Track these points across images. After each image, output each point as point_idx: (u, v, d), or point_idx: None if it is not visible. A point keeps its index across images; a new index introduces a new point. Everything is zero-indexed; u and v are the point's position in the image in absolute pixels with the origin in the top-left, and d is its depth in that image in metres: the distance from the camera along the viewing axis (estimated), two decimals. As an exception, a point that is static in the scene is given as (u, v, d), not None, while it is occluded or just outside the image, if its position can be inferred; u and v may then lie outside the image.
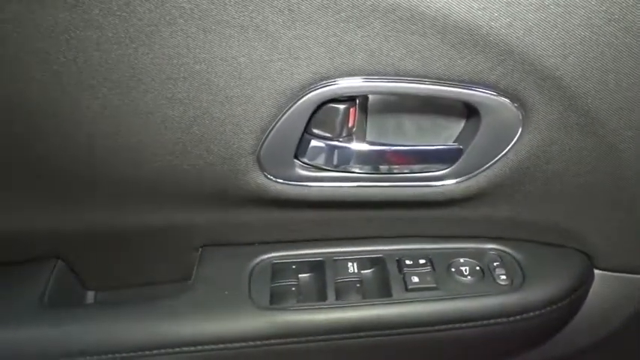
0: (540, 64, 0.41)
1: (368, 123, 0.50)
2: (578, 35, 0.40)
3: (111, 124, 0.43)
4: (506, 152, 0.48)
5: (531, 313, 0.55)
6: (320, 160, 0.49)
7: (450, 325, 0.54)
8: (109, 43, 0.38)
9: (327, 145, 0.48)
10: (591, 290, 0.61)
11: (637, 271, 0.60)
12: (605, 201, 0.52)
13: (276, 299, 0.54)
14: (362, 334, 0.53)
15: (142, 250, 0.58)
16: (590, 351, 0.70)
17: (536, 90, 0.43)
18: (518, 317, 0.55)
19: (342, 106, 0.46)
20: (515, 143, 0.47)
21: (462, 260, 0.58)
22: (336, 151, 0.48)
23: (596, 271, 0.60)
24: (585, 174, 0.49)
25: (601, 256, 0.59)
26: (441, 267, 0.57)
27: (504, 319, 0.55)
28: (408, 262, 0.57)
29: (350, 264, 0.58)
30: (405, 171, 0.50)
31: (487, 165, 0.49)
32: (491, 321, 0.55)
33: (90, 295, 0.63)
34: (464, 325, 0.55)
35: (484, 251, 0.60)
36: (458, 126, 0.50)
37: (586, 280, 0.60)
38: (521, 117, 0.45)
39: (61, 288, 0.56)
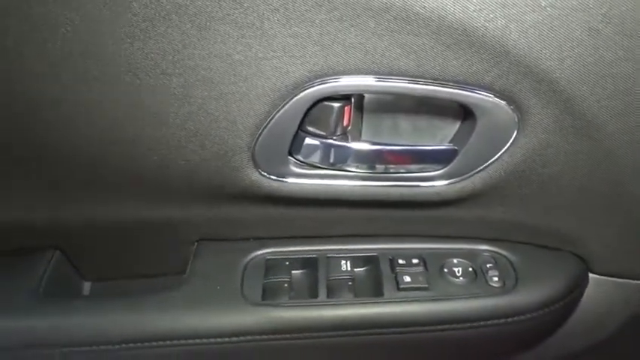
0: (536, 66, 0.41)
1: (364, 122, 0.50)
2: (575, 38, 0.40)
3: (107, 118, 0.43)
4: (501, 154, 0.48)
5: (523, 316, 0.55)
6: (314, 158, 0.49)
7: (441, 326, 0.54)
8: (104, 38, 0.38)
9: (321, 143, 0.48)
10: (586, 294, 0.61)
11: (632, 277, 0.59)
12: (602, 205, 0.52)
13: (269, 295, 0.54)
14: (352, 332, 0.53)
15: (138, 243, 0.58)
16: (585, 355, 0.69)
17: (532, 92, 0.43)
18: (509, 319, 0.55)
19: (336, 105, 0.46)
20: (510, 145, 0.47)
21: (455, 261, 0.58)
22: (330, 149, 0.48)
23: (591, 275, 0.60)
24: (582, 178, 0.49)
25: (596, 260, 0.59)
26: (433, 267, 0.57)
27: (496, 321, 0.55)
28: (400, 261, 0.57)
29: (343, 262, 0.58)
30: (400, 170, 0.50)
31: (482, 167, 0.49)
32: (483, 322, 0.55)
33: (87, 286, 0.63)
34: (455, 326, 0.55)
35: (478, 252, 0.59)
36: (453, 127, 0.50)
37: (580, 283, 0.59)
38: (516, 119, 0.45)
39: (58, 278, 0.57)
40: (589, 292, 0.61)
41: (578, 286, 0.59)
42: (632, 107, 0.44)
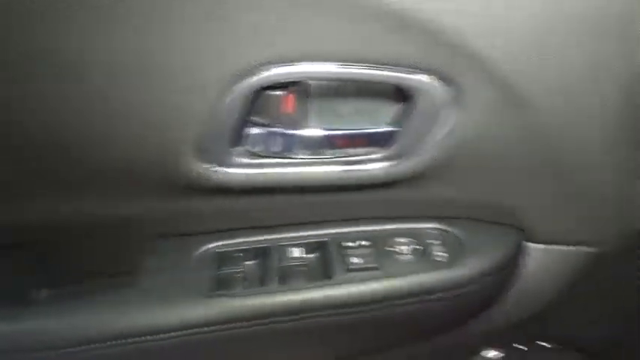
0: (471, 46, 0.42)
1: (308, 108, 0.51)
2: (507, 17, 0.41)
3: (55, 116, 0.42)
4: (441, 134, 0.49)
5: (465, 288, 0.57)
6: (260, 147, 0.49)
7: (390, 302, 0.56)
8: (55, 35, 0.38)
9: (266, 131, 0.49)
10: (527, 263, 0.64)
11: (570, 243, 0.62)
12: (539, 179, 0.54)
13: (223, 286, 0.55)
14: (305, 315, 0.54)
15: (89, 243, 0.57)
16: (528, 323, 0.73)
17: (468, 72, 0.44)
18: (455, 291, 0.57)
19: (280, 93, 0.46)
20: (449, 125, 0.48)
21: (402, 240, 0.60)
22: (275, 138, 0.49)
23: (531, 245, 0.63)
24: (521, 154, 0.51)
25: (536, 231, 0.61)
26: (381, 247, 0.59)
27: (441, 295, 0.57)
28: (350, 244, 0.59)
29: (294, 249, 0.59)
30: (344, 154, 0.52)
31: (423, 147, 0.50)
32: (428, 296, 0.57)
33: (42, 291, 0.62)
34: (402, 302, 0.56)
35: (423, 230, 0.61)
36: (394, 109, 0.51)
37: (520, 253, 0.62)
38: (454, 99, 0.46)
39: (13, 283, 0.55)
40: (529, 260, 0.64)
41: (518, 255, 0.62)
42: (566, 84, 0.45)
